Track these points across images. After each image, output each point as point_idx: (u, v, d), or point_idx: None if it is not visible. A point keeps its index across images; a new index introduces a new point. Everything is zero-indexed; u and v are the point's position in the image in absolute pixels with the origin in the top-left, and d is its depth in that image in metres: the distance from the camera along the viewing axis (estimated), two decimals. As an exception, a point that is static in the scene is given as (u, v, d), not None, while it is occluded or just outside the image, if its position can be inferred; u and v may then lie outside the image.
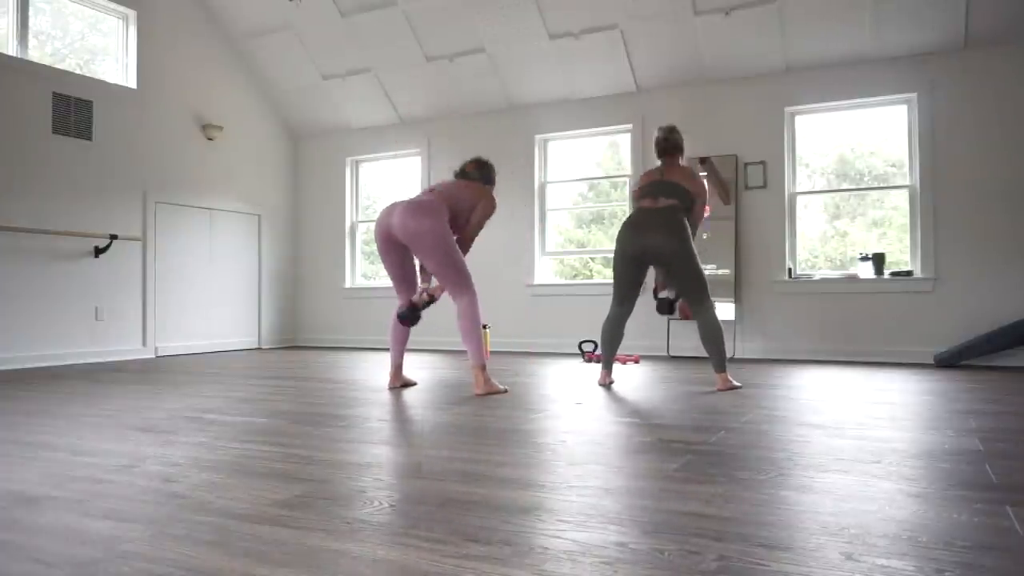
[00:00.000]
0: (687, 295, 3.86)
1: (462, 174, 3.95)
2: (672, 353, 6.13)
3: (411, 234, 3.54)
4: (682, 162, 4.10)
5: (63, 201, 5.68)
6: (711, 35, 5.75)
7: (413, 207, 3.59)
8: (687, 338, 6.05)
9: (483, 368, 3.68)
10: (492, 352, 6.43)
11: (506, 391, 3.75)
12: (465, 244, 3.79)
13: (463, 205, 3.74)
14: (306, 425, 2.75)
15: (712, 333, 3.79)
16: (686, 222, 3.84)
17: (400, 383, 3.96)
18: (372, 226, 7.85)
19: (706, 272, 6.05)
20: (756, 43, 5.71)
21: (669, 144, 4.07)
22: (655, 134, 4.15)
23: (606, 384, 4.04)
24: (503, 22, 6.21)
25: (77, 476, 1.95)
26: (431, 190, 3.81)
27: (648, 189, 3.96)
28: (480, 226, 3.79)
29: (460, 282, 3.62)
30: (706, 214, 4.15)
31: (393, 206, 3.68)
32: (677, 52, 5.98)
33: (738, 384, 3.88)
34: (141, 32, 6.34)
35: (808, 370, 4.87)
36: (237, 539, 1.42)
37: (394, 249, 3.72)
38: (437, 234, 3.53)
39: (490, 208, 3.79)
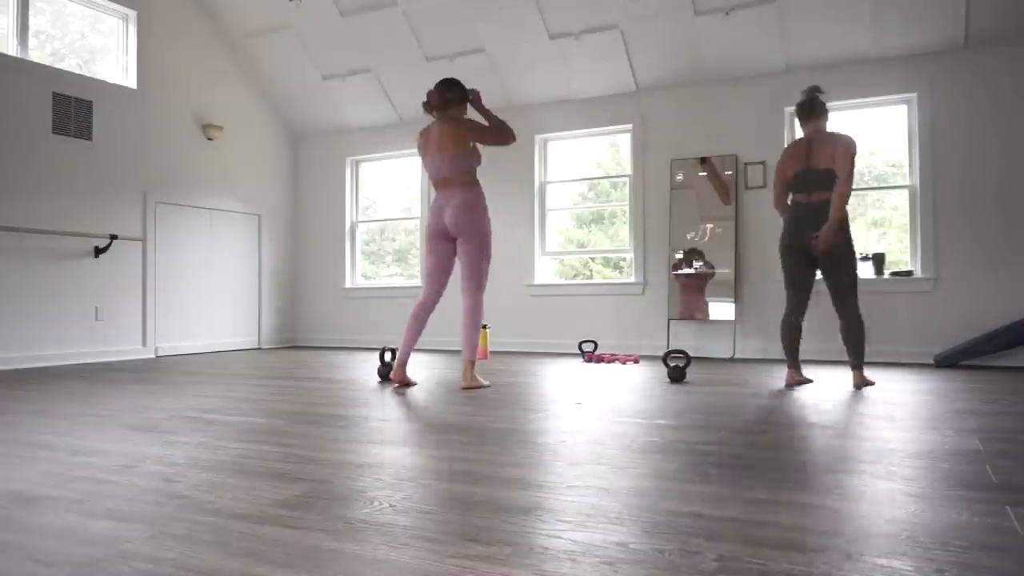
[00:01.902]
0: (839, 289, 3.84)
1: (440, 110, 3.94)
2: (672, 353, 6.13)
3: (463, 228, 3.86)
4: (828, 127, 3.99)
5: (63, 201, 5.68)
6: (711, 35, 5.75)
7: (467, 207, 3.84)
8: (687, 338, 6.05)
9: (473, 364, 3.89)
10: (492, 352, 6.42)
11: (488, 385, 3.96)
12: (495, 132, 3.91)
13: (464, 155, 3.86)
14: (306, 425, 2.75)
15: (857, 329, 3.80)
16: (847, 215, 3.83)
17: (401, 379, 3.98)
18: (372, 226, 7.87)
19: (706, 272, 6.07)
20: (756, 43, 5.71)
21: (816, 106, 3.93)
22: (800, 97, 4.04)
23: (796, 383, 3.89)
24: (503, 22, 6.21)
25: (77, 476, 1.96)
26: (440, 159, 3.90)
27: (799, 182, 3.91)
28: (495, 136, 3.90)
29: (478, 280, 3.91)
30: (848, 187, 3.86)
31: (445, 202, 3.89)
32: (677, 52, 5.98)
33: (872, 381, 3.92)
34: (141, 32, 6.34)
35: (808, 370, 4.86)
36: (237, 539, 1.43)
37: (445, 243, 3.99)
38: (484, 233, 3.90)
39: (481, 131, 3.88)
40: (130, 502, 1.69)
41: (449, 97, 3.92)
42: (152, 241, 6.37)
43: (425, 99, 3.98)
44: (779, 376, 4.46)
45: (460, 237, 3.90)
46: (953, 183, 5.36)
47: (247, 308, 7.38)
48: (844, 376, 4.46)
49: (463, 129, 3.88)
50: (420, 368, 5.11)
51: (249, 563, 1.29)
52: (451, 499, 1.70)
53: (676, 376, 4.13)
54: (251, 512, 1.61)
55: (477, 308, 3.89)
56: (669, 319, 6.10)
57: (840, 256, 3.79)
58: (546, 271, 6.88)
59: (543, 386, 4.03)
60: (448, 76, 4.13)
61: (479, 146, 3.98)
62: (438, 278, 4.05)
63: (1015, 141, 5.19)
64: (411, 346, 4.02)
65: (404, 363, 3.99)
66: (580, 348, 6.00)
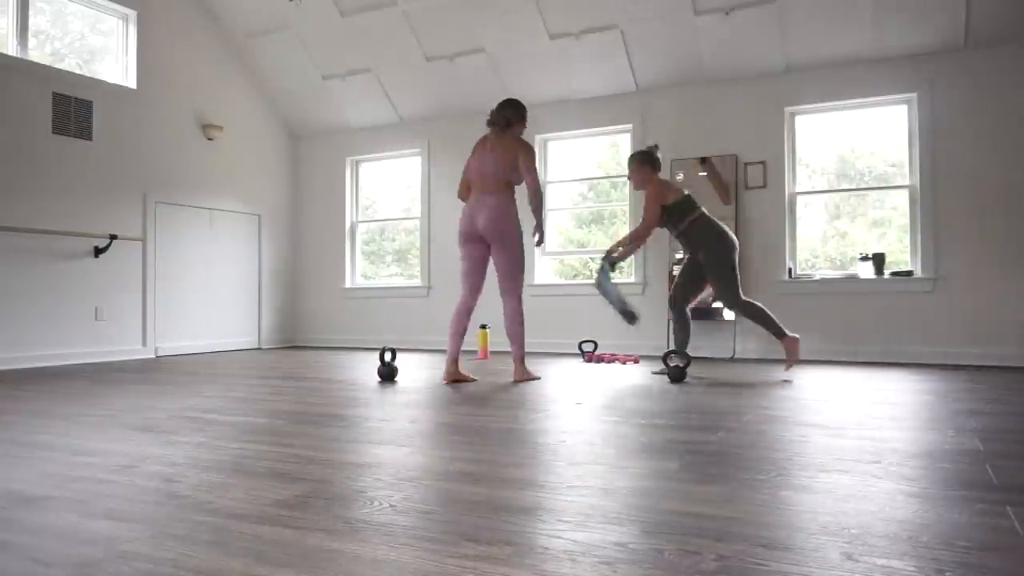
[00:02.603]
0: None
1: (498, 126, 4.27)
2: (672, 353, 6.12)
3: (495, 233, 4.11)
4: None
5: (63, 201, 5.68)
6: (711, 35, 5.75)
7: (498, 212, 4.11)
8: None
9: (522, 360, 4.24)
10: (492, 351, 6.42)
11: (539, 377, 4.33)
12: (536, 198, 4.18)
13: (508, 165, 4.18)
14: (306, 425, 2.75)
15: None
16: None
17: (456, 376, 4.15)
18: (372, 226, 7.87)
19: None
20: (756, 43, 5.71)
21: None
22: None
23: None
24: (503, 22, 6.21)
25: (77, 476, 1.95)
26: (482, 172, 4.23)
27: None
28: (534, 177, 4.18)
29: (517, 283, 4.19)
30: None
31: (477, 208, 4.15)
32: (677, 52, 5.98)
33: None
34: (141, 32, 6.34)
35: (808, 370, 4.87)
36: (237, 539, 1.43)
37: (478, 245, 4.21)
38: (517, 237, 4.16)
39: (530, 158, 4.20)
40: (130, 502, 1.69)
41: (507, 115, 4.26)
42: (152, 241, 6.37)
43: (489, 117, 4.31)
44: (780, 377, 4.46)
45: (495, 244, 4.14)
46: (953, 183, 5.36)
47: (247, 308, 7.37)
48: (844, 376, 4.46)
49: (516, 146, 4.20)
50: (422, 368, 5.11)
51: (249, 563, 1.29)
52: (451, 499, 1.70)
53: (676, 376, 4.13)
54: (251, 512, 1.61)
55: (519, 311, 4.19)
56: (669, 319, 6.09)
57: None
58: (546, 271, 6.88)
59: (543, 386, 4.03)
60: (510, 97, 4.46)
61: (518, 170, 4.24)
62: (473, 280, 4.26)
63: (1015, 141, 5.19)
64: (459, 344, 4.22)
65: (455, 360, 4.19)
66: (580, 348, 6.00)
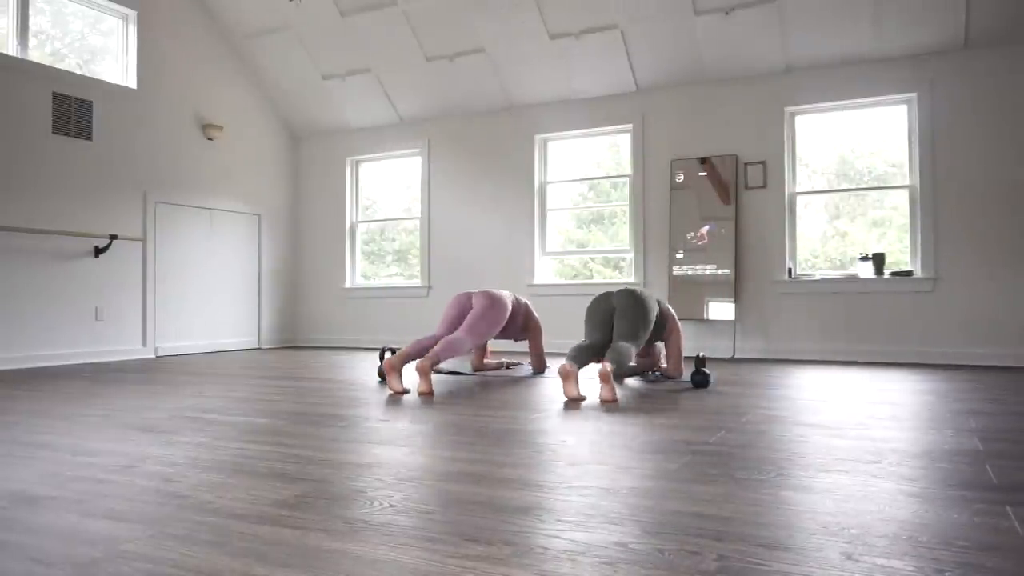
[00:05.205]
0: None
1: None
2: (672, 353, 6.12)
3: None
4: None
5: (63, 201, 5.68)
6: (711, 35, 5.75)
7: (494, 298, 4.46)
8: (687, 339, 6.05)
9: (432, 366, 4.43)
10: (492, 351, 6.42)
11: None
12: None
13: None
14: (306, 425, 2.75)
15: None
16: None
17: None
18: (372, 226, 7.87)
19: (706, 271, 6.07)
20: (756, 43, 5.71)
21: None
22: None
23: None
24: (503, 22, 6.21)
25: (77, 476, 1.95)
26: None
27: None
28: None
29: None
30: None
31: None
32: (677, 52, 5.98)
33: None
34: (141, 32, 6.33)
35: (808, 370, 4.87)
36: (237, 539, 1.43)
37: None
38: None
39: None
40: (130, 502, 1.69)
41: None
42: (152, 241, 6.37)
43: None
44: (780, 377, 4.47)
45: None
46: (953, 183, 5.36)
47: (247, 308, 7.37)
48: (844, 376, 4.47)
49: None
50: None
51: (249, 563, 1.29)
52: (451, 499, 1.70)
53: (701, 382, 3.97)
54: (251, 512, 1.61)
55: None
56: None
57: None
58: (546, 271, 6.88)
59: (543, 386, 4.03)
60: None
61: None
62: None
63: (1015, 141, 5.19)
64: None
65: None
66: (580, 348, 5.99)
